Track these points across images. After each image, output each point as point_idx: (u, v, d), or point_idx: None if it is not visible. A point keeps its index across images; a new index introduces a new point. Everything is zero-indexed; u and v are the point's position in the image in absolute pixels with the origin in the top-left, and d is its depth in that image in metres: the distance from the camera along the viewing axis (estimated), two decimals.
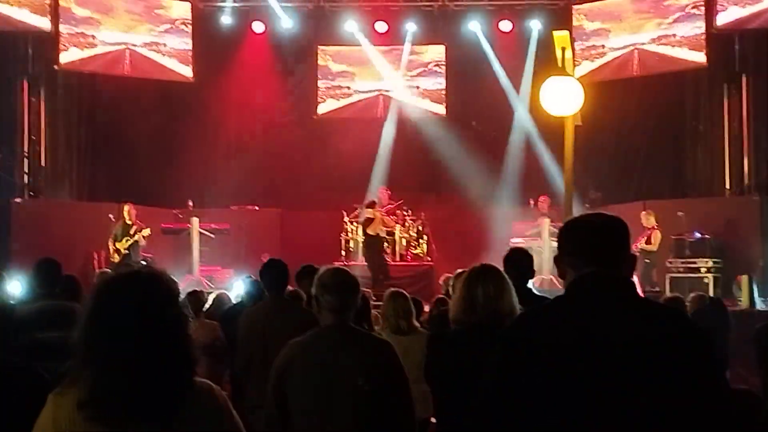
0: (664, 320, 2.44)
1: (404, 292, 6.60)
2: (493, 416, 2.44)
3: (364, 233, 16.02)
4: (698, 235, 14.86)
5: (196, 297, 8.04)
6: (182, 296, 8.36)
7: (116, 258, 14.86)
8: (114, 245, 14.94)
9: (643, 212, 14.88)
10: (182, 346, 2.27)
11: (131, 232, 14.95)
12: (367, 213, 15.89)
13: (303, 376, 3.72)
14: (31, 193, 17.10)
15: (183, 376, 2.26)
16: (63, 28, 16.86)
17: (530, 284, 5.52)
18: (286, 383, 3.75)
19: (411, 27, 18.99)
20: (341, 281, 3.84)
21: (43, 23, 16.36)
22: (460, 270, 5.13)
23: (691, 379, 2.34)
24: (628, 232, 2.60)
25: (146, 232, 15.02)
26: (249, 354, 5.92)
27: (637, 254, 13.70)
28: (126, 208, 15.17)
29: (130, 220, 15.04)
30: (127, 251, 14.87)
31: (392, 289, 6.76)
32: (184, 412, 2.25)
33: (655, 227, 14.76)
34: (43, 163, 17.33)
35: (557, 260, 2.63)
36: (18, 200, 16.36)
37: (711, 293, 13.14)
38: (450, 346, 4.08)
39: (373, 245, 15.88)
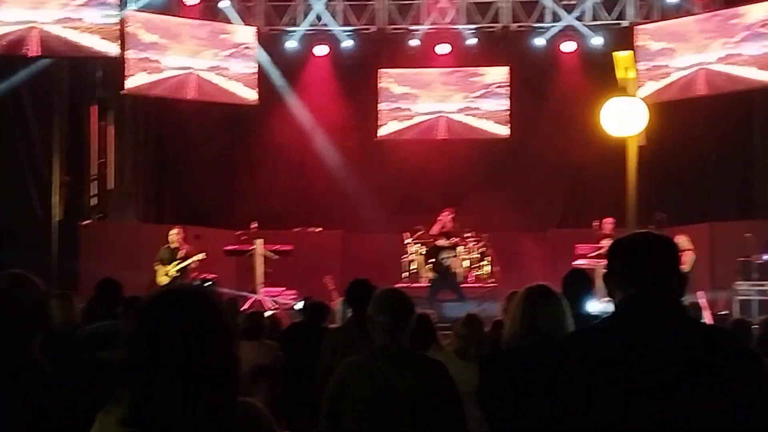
0: (710, 341, 2.39)
1: (481, 318, 6.59)
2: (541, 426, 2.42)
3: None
4: (766, 257, 14.56)
5: (256, 318, 8.08)
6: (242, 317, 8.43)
7: (164, 280, 14.92)
8: (162, 268, 14.98)
9: (676, 236, 14.55)
10: (225, 364, 2.27)
11: (178, 255, 15.03)
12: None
13: (356, 397, 3.72)
14: (99, 215, 17.43)
15: (225, 394, 2.26)
16: (130, 54, 17.17)
17: (595, 306, 5.46)
18: (339, 403, 3.76)
19: (473, 48, 18.98)
20: (395, 302, 3.84)
21: (112, 49, 16.68)
22: (514, 291, 5.09)
23: (740, 402, 2.29)
24: (675, 250, 2.55)
25: (200, 256, 15.04)
26: (330, 373, 5.92)
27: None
28: (174, 231, 15.18)
29: (176, 243, 15.11)
30: (177, 274, 14.95)
31: (470, 312, 6.78)
32: (225, 430, 2.25)
33: (688, 249, 14.46)
34: (110, 185, 17.67)
35: (605, 279, 2.60)
36: (86, 222, 16.69)
37: None
38: (506, 368, 4.04)
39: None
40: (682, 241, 14.48)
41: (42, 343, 2.92)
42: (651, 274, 2.47)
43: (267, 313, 10.10)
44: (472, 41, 18.94)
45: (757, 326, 8.60)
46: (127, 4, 17.28)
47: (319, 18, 18.75)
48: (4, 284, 2.87)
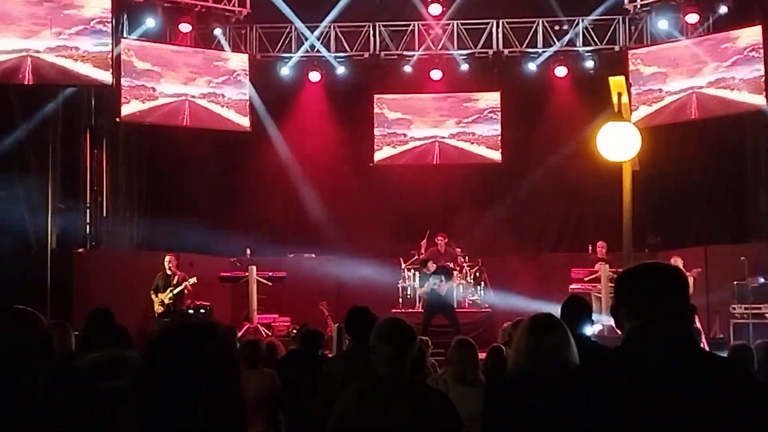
0: (723, 374, 2.39)
1: (471, 341, 6.56)
2: None
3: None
4: (761, 280, 14.58)
5: (254, 346, 8.05)
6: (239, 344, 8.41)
7: (160, 309, 14.89)
8: (156, 296, 14.97)
9: (672, 258, 14.58)
10: (234, 399, 2.27)
11: (173, 282, 15.02)
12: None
13: (358, 427, 3.70)
14: (93, 242, 17.40)
15: (234, 426, 2.25)
16: (124, 81, 17.22)
17: (589, 330, 5.46)
18: (343, 428, 3.75)
19: (466, 74, 19.08)
20: (398, 332, 3.83)
21: (105, 77, 16.71)
22: (518, 318, 5.08)
23: None
24: (685, 282, 2.55)
25: (192, 280, 15.05)
26: (329, 401, 5.89)
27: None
28: (167, 258, 15.17)
29: (170, 270, 15.11)
30: (171, 302, 14.92)
31: (459, 337, 6.73)
32: None
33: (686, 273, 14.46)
34: (104, 213, 17.64)
35: (614, 311, 2.60)
36: (80, 250, 16.66)
37: None
38: (512, 396, 4.03)
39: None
40: (678, 263, 14.51)
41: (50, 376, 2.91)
42: (661, 306, 2.47)
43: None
44: (465, 67, 19.03)
45: (755, 350, 8.62)
46: (124, 32, 17.34)
47: (312, 46, 18.82)
48: (8, 322, 2.86)
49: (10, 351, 2.78)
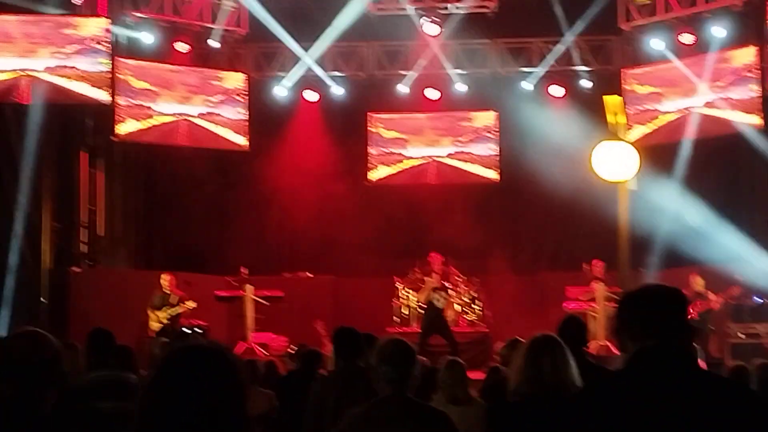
0: (728, 394, 2.40)
1: (459, 360, 6.56)
2: None
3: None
4: (758, 299, 14.59)
5: (252, 366, 8.05)
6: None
7: (157, 327, 14.85)
8: (154, 314, 14.95)
9: (691, 276, 14.60)
10: (241, 421, 2.27)
11: (171, 301, 15.01)
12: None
13: None
14: (89, 262, 17.38)
15: None
16: (121, 100, 17.25)
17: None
18: None
19: (462, 93, 19.14)
20: (399, 352, 3.83)
21: (102, 96, 16.74)
22: (515, 338, 5.08)
23: None
24: (686, 302, 2.57)
25: (191, 304, 15.03)
26: (320, 423, 5.88)
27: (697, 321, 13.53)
28: (165, 278, 15.20)
29: (168, 289, 15.11)
30: (168, 321, 14.91)
31: (449, 357, 6.72)
32: None
33: (704, 291, 14.50)
34: (100, 232, 17.63)
35: (617, 332, 2.61)
36: (76, 269, 16.63)
37: None
38: (514, 418, 4.03)
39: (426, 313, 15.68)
40: (698, 283, 14.50)
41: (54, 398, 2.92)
42: (666, 328, 2.49)
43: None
44: (461, 86, 19.08)
45: (753, 371, 8.61)
46: (120, 51, 17.38)
47: (308, 66, 18.85)
48: (19, 343, 2.88)
49: (22, 372, 2.80)
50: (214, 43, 18.41)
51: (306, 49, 18.61)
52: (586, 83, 18.70)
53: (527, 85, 18.91)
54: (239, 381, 2.28)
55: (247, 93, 18.62)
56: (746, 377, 6.18)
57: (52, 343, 2.94)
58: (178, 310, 14.95)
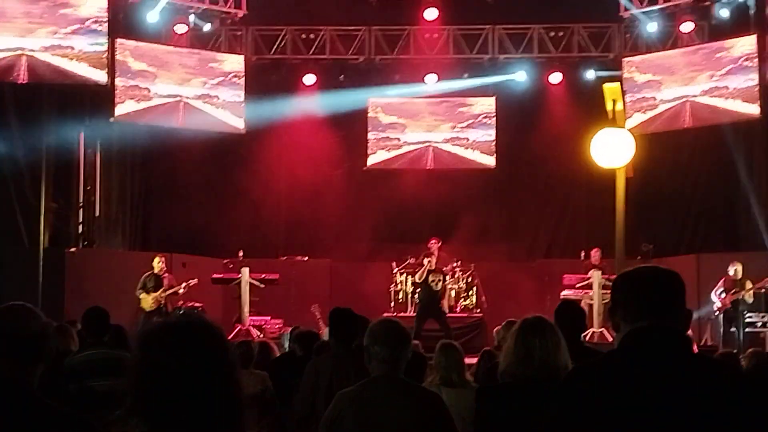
0: (718, 375, 2.40)
1: (456, 344, 6.55)
2: None
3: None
4: None
5: (246, 347, 8.04)
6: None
7: (152, 307, 14.95)
8: (148, 295, 15.01)
9: (732, 263, 14.60)
10: (232, 395, 2.25)
11: (165, 282, 15.10)
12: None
13: (353, 428, 3.70)
14: (86, 242, 17.37)
15: (232, 425, 2.24)
16: (119, 81, 17.19)
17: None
18: (337, 428, 3.74)
19: (461, 79, 19.10)
20: (392, 332, 3.83)
21: (100, 76, 16.70)
22: (509, 320, 5.07)
23: None
24: (682, 285, 2.56)
25: (192, 282, 15.28)
26: (312, 404, 5.89)
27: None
28: (157, 259, 15.33)
29: (159, 271, 15.18)
30: (163, 301, 15.01)
31: (444, 340, 6.71)
32: None
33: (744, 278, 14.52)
34: (97, 213, 17.61)
35: (611, 312, 2.61)
36: (72, 250, 16.63)
37: None
38: (503, 399, 4.03)
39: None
40: (738, 269, 14.49)
41: (41, 374, 2.91)
42: (659, 308, 2.48)
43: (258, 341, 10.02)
44: (460, 72, 19.04)
45: (745, 359, 8.63)
46: (119, 32, 17.31)
47: (307, 49, 18.81)
48: (3, 317, 2.87)
49: (7, 347, 2.79)
50: (208, 25, 18.36)
51: (305, 33, 18.63)
52: (585, 71, 18.64)
53: (526, 72, 18.86)
54: (227, 353, 2.26)
55: (244, 75, 18.55)
56: (735, 362, 6.19)
57: (40, 318, 2.92)
58: (181, 288, 15.15)
